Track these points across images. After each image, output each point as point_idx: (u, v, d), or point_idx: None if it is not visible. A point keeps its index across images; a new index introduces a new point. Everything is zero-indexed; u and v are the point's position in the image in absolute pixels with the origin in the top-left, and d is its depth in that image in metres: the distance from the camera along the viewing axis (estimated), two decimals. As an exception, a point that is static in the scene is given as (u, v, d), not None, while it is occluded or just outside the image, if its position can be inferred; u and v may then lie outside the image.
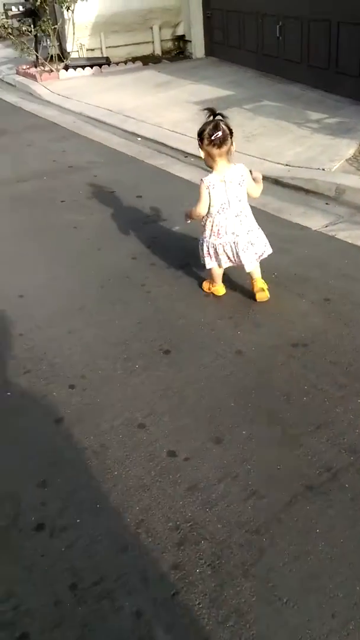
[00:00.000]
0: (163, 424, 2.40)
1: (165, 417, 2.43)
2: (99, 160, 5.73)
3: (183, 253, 3.77)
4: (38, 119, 7.79)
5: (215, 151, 2.86)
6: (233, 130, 2.91)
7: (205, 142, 2.85)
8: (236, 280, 3.37)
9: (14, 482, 2.22)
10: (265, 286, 3.14)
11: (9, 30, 9.80)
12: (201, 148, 2.92)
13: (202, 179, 2.99)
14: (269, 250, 3.16)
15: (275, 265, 3.48)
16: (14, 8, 10.11)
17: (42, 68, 10.05)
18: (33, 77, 9.91)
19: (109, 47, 10.71)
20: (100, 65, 10.17)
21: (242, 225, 3.03)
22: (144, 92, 8.28)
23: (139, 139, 6.38)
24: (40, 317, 3.24)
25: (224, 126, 2.84)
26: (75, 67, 10.05)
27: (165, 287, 3.41)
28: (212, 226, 3.03)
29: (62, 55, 10.36)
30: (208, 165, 3.00)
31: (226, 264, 3.14)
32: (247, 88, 7.75)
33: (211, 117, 2.87)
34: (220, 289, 3.27)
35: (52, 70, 9.91)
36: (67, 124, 7.33)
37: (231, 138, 2.88)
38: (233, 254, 3.07)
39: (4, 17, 10.20)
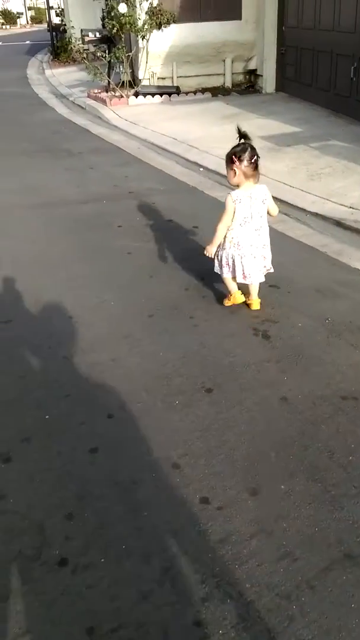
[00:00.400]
0: (198, 467, 2.31)
1: (201, 460, 2.34)
2: (159, 188, 5.77)
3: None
4: (104, 142, 7.96)
5: (250, 172, 3.18)
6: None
7: (245, 162, 3.15)
8: (284, 323, 3.28)
9: (42, 511, 2.17)
10: (259, 301, 3.45)
11: (84, 55, 10.11)
12: (235, 167, 3.17)
13: (229, 193, 3.26)
14: (271, 268, 3.47)
15: (329, 310, 3.38)
16: (90, 34, 10.46)
17: (113, 93, 10.31)
18: (103, 101, 10.17)
19: (180, 76, 10.92)
20: (169, 94, 10.35)
21: (259, 239, 3.31)
22: (211, 123, 8.35)
23: (201, 169, 6.40)
24: (86, 341, 3.23)
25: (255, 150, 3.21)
26: (145, 94, 10.26)
27: (214, 321, 3.35)
28: (232, 238, 3.29)
29: (134, 82, 10.61)
30: (235, 183, 3.26)
31: (240, 277, 3.36)
32: (315, 126, 7.71)
33: (242, 140, 3.20)
34: (239, 297, 3.47)
35: (122, 96, 10.15)
36: (131, 149, 7.45)
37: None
38: (247, 266, 3.31)
39: (80, 42, 10.55)
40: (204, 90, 10.78)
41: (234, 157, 3.16)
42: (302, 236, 4.52)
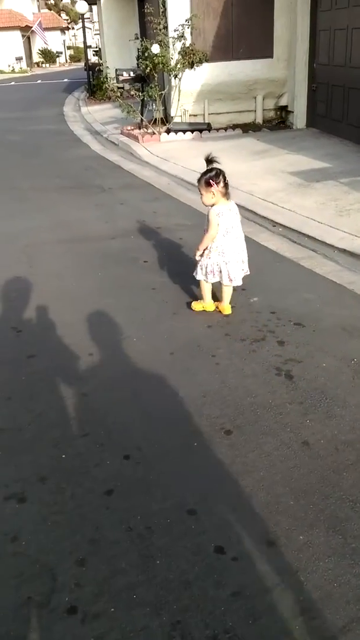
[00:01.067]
0: (214, 514, 2.24)
1: (217, 506, 2.27)
2: (187, 223, 5.80)
3: (260, 326, 3.67)
4: (135, 178, 8.09)
5: (225, 191, 3.65)
6: None
7: (221, 184, 3.59)
8: (308, 363, 3.21)
9: (54, 555, 2.13)
10: (230, 306, 3.87)
11: (118, 94, 10.39)
12: (213, 190, 3.59)
13: (211, 209, 3.66)
14: (248, 271, 3.89)
15: (356, 350, 3.30)
16: (125, 74, 10.77)
17: (145, 130, 10.53)
18: (135, 138, 10.38)
19: (212, 113, 11.09)
20: (200, 131, 10.51)
21: (240, 245, 3.77)
22: (241, 159, 8.42)
23: (230, 204, 6.42)
24: (106, 377, 3.21)
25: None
26: (176, 131, 10.45)
27: (236, 360, 3.30)
28: (217, 247, 3.71)
29: (166, 119, 10.83)
30: (210, 203, 3.68)
31: (226, 280, 3.76)
32: (345, 161, 7.69)
33: (210, 165, 3.63)
34: (212, 305, 3.92)
35: (154, 133, 10.35)
36: (161, 185, 7.55)
37: None
38: (232, 271, 3.73)
39: (115, 81, 10.86)
40: (234, 127, 10.91)
41: (211, 180, 3.57)
42: (330, 273, 4.46)
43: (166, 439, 2.68)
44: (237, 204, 6.33)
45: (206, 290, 3.88)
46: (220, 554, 2.08)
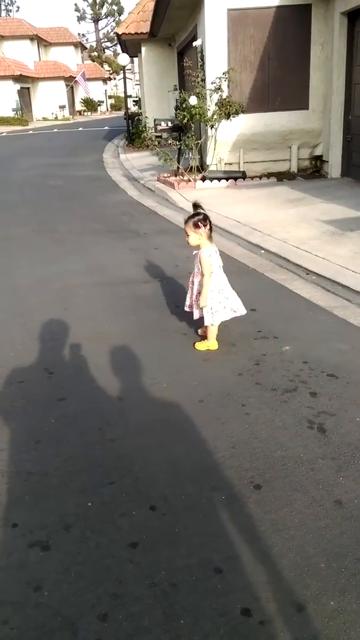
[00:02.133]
0: (241, 574, 2.16)
1: (244, 566, 2.19)
2: (220, 269, 5.83)
3: (291, 376, 3.61)
4: (169, 224, 8.22)
5: (209, 233, 3.93)
6: None
7: (208, 227, 3.89)
8: (342, 417, 3.13)
9: (76, 608, 2.07)
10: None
11: (156, 142, 10.69)
12: (200, 231, 3.86)
13: (202, 252, 3.91)
14: None
15: (390, 405, 3.21)
16: (163, 123, 11.10)
17: (181, 177, 10.77)
18: (171, 184, 10.61)
19: (247, 162, 11.29)
20: (235, 179, 10.69)
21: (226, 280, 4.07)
22: (275, 207, 8.50)
23: (263, 251, 6.46)
24: (134, 423, 3.19)
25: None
26: (212, 179, 10.65)
27: (267, 411, 3.24)
28: (215, 286, 3.96)
29: (201, 167, 11.06)
30: (196, 244, 3.95)
31: (231, 313, 4.05)
32: (379, 211, 7.69)
33: (196, 209, 3.92)
34: (216, 345, 4.08)
35: (189, 180, 10.57)
36: (195, 230, 7.64)
37: None
38: (234, 302, 4.04)
39: (153, 130, 11.20)
40: (269, 175, 11.07)
41: (200, 223, 3.85)
42: (364, 323, 4.39)
43: (193, 490, 2.62)
44: (269, 251, 6.42)
45: (213, 331, 4.07)
46: (246, 616, 1.99)
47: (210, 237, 3.95)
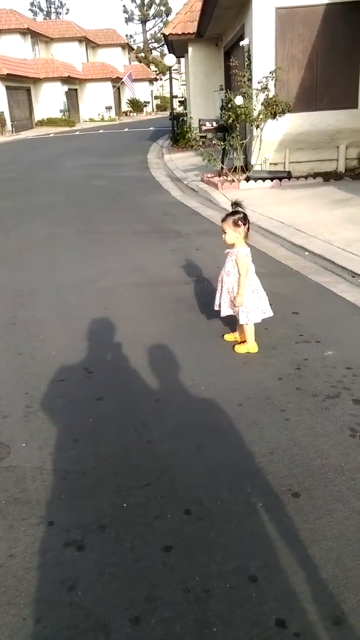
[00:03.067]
0: (277, 583, 2.11)
1: (280, 575, 2.14)
2: (261, 271, 5.67)
3: (334, 382, 3.53)
4: (212, 224, 8.18)
5: (247, 232, 3.90)
6: None
7: (247, 226, 3.88)
8: (388, 424, 3.03)
9: (108, 609, 2.07)
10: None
11: (200, 142, 10.66)
12: (239, 230, 3.85)
13: (239, 251, 3.88)
14: None
15: None
16: (207, 124, 11.06)
17: (225, 177, 10.70)
18: (215, 185, 10.56)
19: (292, 162, 11.14)
20: (280, 179, 10.55)
21: None
22: (320, 208, 8.35)
23: (307, 253, 6.35)
24: (171, 425, 3.18)
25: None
26: (256, 179, 10.54)
27: (307, 417, 3.17)
28: (249, 285, 3.94)
29: (246, 167, 10.97)
30: (232, 242, 3.93)
31: (262, 315, 4.00)
32: None
33: (236, 207, 3.86)
34: (256, 347, 4.03)
35: (233, 180, 10.50)
36: (238, 231, 7.57)
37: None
38: (264, 304, 4.01)
39: (198, 130, 11.17)
40: (315, 175, 10.89)
41: (240, 221, 3.84)
42: None
43: (230, 496, 2.58)
44: (314, 253, 6.30)
45: (250, 332, 4.02)
46: (281, 627, 1.94)
47: (246, 237, 3.93)
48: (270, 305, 4.07)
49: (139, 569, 2.23)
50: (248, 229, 3.91)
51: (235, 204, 3.90)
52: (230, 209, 4.00)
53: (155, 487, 2.68)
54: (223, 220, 3.94)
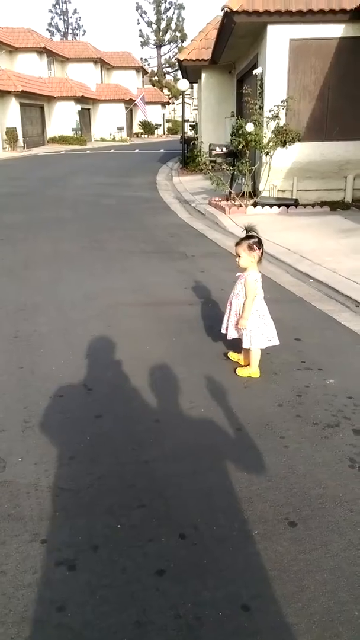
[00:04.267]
0: (270, 614, 2.07)
1: (273, 606, 2.10)
2: (265, 296, 5.73)
3: (334, 411, 3.51)
4: (218, 247, 8.22)
5: (260, 257, 3.92)
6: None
7: (262, 250, 3.89)
8: (387, 456, 3.00)
9: (98, 633, 2.03)
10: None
11: (210, 167, 10.77)
12: (254, 254, 3.87)
13: (248, 275, 3.90)
14: None
15: None
16: (217, 149, 11.18)
17: (233, 202, 10.78)
18: (222, 209, 10.64)
19: (300, 190, 11.24)
20: (287, 206, 10.63)
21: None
22: (326, 236, 8.40)
23: (311, 280, 6.36)
24: (169, 447, 3.15)
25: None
26: (263, 205, 10.62)
27: (306, 445, 3.15)
28: (256, 310, 3.96)
29: (254, 193, 11.06)
30: (245, 266, 3.93)
31: (267, 342, 4.00)
32: None
33: (249, 232, 3.89)
34: (258, 372, 4.03)
35: (241, 205, 10.57)
36: (244, 256, 7.60)
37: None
38: (270, 330, 4.00)
39: (208, 154, 11.29)
40: (322, 204, 10.97)
41: (255, 246, 3.85)
42: None
43: (225, 521, 2.55)
44: (318, 280, 6.32)
45: (255, 357, 4.02)
46: (273, 661, 1.90)
47: (259, 262, 3.96)
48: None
49: (130, 592, 2.19)
50: (262, 253, 3.92)
51: (249, 229, 3.92)
52: (239, 234, 4.04)
53: (150, 509, 2.65)
54: (237, 244, 3.94)
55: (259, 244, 3.87)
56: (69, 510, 2.65)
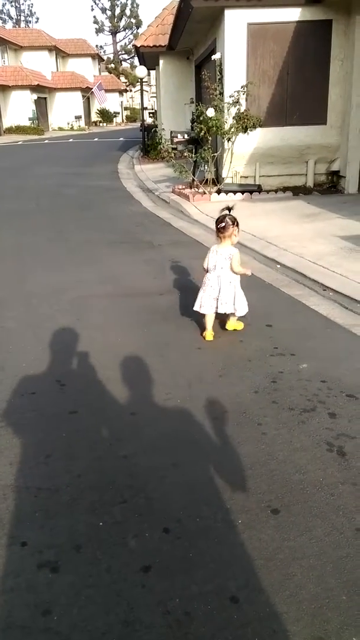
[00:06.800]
0: (259, 604, 2.06)
1: (262, 596, 2.09)
2: (236, 283, 5.76)
3: (309, 395, 3.52)
4: (184, 236, 8.17)
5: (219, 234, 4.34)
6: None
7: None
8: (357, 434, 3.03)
9: (85, 635, 1.98)
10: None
11: (171, 155, 10.68)
12: (237, 228, 4.34)
13: (235, 251, 4.37)
14: None
15: None
16: (179, 136, 11.10)
17: (196, 189, 10.73)
18: (186, 196, 10.58)
19: (263, 175, 11.26)
20: (251, 192, 10.64)
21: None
22: (290, 222, 8.44)
23: (279, 266, 6.38)
24: (147, 440, 3.11)
25: (227, 219, 4.29)
26: (227, 192, 10.60)
27: (284, 431, 3.15)
28: (230, 283, 4.42)
29: (217, 180, 11.03)
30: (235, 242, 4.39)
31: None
32: None
33: (224, 212, 4.31)
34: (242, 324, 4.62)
35: (204, 193, 10.53)
36: (210, 243, 7.52)
37: (233, 227, 4.32)
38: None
39: (169, 142, 11.19)
40: (285, 189, 11.03)
41: (236, 221, 4.32)
42: (382, 342, 4.30)
43: (208, 513, 2.53)
44: (286, 266, 6.35)
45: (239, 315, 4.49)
46: (264, 650, 1.90)
47: (227, 239, 4.37)
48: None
49: (116, 590, 2.15)
50: (230, 231, 4.32)
51: (228, 208, 4.32)
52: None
53: (131, 504, 2.61)
54: (233, 224, 4.29)
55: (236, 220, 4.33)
56: (48, 510, 2.59)
